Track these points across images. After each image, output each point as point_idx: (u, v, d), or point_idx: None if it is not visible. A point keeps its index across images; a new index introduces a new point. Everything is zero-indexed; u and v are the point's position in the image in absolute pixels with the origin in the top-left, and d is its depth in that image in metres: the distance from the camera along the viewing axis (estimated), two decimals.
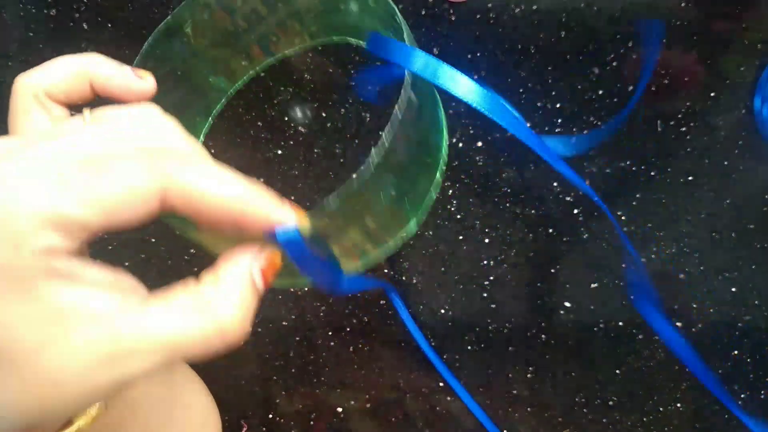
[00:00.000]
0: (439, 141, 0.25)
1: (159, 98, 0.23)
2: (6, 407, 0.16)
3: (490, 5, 0.37)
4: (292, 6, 0.28)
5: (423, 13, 0.37)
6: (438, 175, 0.25)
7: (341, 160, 0.40)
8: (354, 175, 0.20)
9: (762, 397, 0.44)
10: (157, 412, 0.26)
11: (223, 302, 0.17)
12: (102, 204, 0.16)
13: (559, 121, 0.39)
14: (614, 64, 0.38)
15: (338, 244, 0.22)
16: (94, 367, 0.16)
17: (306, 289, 0.41)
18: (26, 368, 0.15)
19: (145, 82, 0.22)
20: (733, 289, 0.42)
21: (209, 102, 0.32)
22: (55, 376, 0.16)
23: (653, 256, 0.42)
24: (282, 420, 0.46)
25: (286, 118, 0.39)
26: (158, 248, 0.41)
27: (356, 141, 0.39)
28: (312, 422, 0.46)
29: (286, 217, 0.18)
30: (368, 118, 0.39)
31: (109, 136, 0.17)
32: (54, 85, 0.21)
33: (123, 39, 0.38)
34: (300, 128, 0.39)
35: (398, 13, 0.22)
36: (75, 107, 0.22)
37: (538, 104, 0.38)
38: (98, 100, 0.22)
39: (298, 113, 0.38)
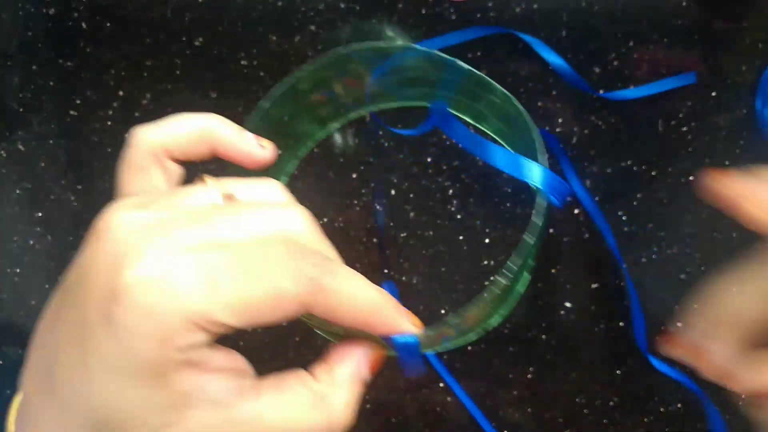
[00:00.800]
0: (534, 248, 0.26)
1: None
2: None
3: (490, 4, 0.37)
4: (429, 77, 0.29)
5: (423, 12, 0.37)
6: (528, 275, 0.26)
7: (340, 160, 0.39)
8: (477, 298, 0.21)
9: None
10: None
11: (337, 398, 0.18)
12: (249, 309, 0.16)
13: (560, 120, 0.39)
14: (615, 63, 0.38)
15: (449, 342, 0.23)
16: None
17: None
18: None
19: (266, 151, 0.23)
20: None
21: (299, 146, 0.34)
22: None
23: (654, 256, 0.42)
24: None
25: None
26: None
27: (356, 141, 0.39)
28: None
29: (409, 327, 0.19)
30: (368, 118, 0.39)
31: (250, 227, 0.18)
32: (175, 142, 0.21)
33: (121, 38, 0.38)
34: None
35: (536, 132, 0.24)
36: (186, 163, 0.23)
37: (539, 104, 0.38)
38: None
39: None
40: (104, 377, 0.16)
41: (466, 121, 0.29)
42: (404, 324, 0.19)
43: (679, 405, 0.45)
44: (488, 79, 0.26)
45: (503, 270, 0.22)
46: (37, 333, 0.19)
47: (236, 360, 0.18)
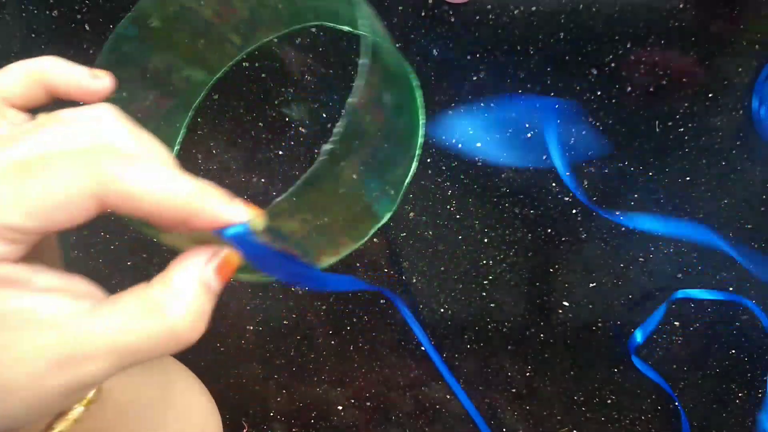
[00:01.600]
0: (412, 124, 0.23)
1: (132, 98, 0.22)
2: None
3: (489, 7, 0.37)
4: None
5: (423, 14, 0.37)
6: (414, 163, 0.23)
7: None
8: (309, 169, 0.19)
9: (759, 395, 0.45)
10: (150, 415, 0.26)
11: (173, 303, 0.17)
12: (37, 209, 0.16)
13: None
14: (612, 65, 0.38)
15: (306, 239, 0.21)
16: (43, 373, 0.16)
17: (304, 289, 0.41)
18: None
19: (101, 80, 0.22)
20: (731, 289, 0.43)
21: (189, 96, 0.31)
22: (4, 383, 0.16)
23: (651, 255, 0.42)
24: (282, 418, 0.46)
25: (287, 119, 0.40)
26: (160, 248, 0.41)
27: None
28: (312, 420, 0.46)
29: (237, 215, 0.17)
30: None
31: (52, 138, 0.17)
32: (9, 90, 0.20)
33: None
34: (301, 128, 0.40)
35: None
36: (35, 111, 0.22)
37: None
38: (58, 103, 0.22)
39: (294, 110, 0.38)
40: None
41: (343, 30, 0.27)
42: (228, 212, 0.17)
43: (676, 403, 0.45)
44: None
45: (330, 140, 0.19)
46: None
47: (75, 283, 0.18)
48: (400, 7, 0.37)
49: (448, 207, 0.41)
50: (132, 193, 0.16)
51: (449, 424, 0.46)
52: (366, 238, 0.22)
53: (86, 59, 0.39)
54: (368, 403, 0.45)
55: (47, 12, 0.38)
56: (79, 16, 0.38)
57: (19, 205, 0.15)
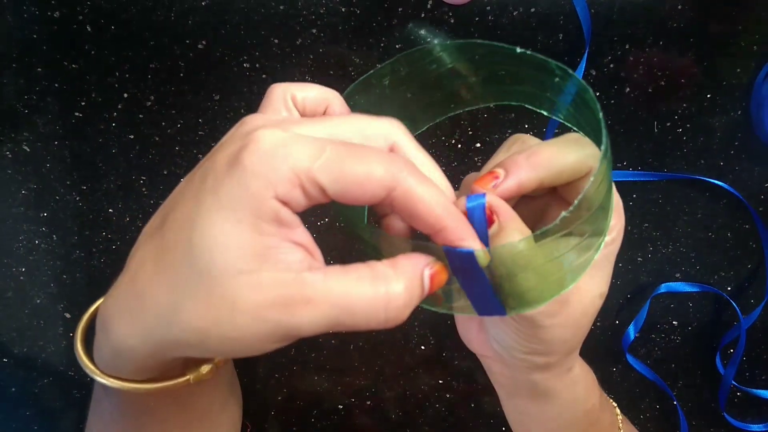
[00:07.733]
0: (609, 209, 0.25)
1: None
2: (182, 315, 0.19)
3: (488, 8, 0.37)
4: (493, 69, 0.29)
5: (422, 15, 0.37)
6: (603, 241, 0.25)
7: None
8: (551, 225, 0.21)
9: (758, 395, 0.45)
10: (227, 393, 0.29)
11: (396, 278, 0.20)
12: (342, 179, 0.19)
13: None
14: (611, 66, 0.38)
15: (503, 288, 0.23)
16: (267, 306, 0.18)
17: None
18: (217, 287, 0.18)
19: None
20: (729, 288, 0.43)
21: None
22: (236, 301, 0.18)
23: (650, 255, 0.42)
24: (284, 417, 0.47)
25: None
26: None
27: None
28: (313, 419, 0.47)
29: (473, 245, 0.21)
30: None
31: (359, 126, 0.21)
32: (302, 95, 0.24)
33: (125, 41, 0.38)
34: None
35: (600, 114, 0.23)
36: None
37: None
38: None
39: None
40: (211, 210, 0.18)
41: (543, 115, 0.29)
42: (470, 237, 0.21)
43: (675, 402, 0.45)
44: (544, 58, 0.25)
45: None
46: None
47: (315, 249, 0.20)
48: (400, 8, 0.37)
49: None
50: (415, 196, 0.20)
51: (451, 422, 0.46)
52: (544, 304, 0.23)
53: (87, 60, 0.39)
54: (368, 402, 0.46)
55: (48, 13, 0.38)
56: (80, 17, 0.38)
57: (333, 172, 0.19)
